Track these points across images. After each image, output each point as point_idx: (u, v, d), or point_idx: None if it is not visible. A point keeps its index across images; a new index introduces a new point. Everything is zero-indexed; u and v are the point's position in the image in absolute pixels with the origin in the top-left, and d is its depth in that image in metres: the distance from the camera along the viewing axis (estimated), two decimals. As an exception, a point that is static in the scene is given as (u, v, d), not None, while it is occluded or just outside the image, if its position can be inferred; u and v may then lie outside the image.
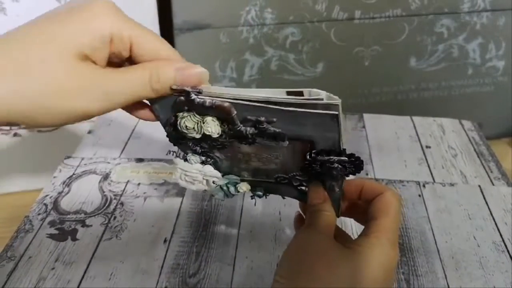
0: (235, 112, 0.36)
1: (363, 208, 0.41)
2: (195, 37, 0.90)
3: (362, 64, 1.01)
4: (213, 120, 0.37)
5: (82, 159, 0.66)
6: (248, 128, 0.37)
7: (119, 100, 0.34)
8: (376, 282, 0.34)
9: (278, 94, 0.36)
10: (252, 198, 0.45)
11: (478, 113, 1.11)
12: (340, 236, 0.42)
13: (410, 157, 0.71)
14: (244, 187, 0.44)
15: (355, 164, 0.38)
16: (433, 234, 0.57)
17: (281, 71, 0.98)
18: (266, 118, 0.36)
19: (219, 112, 0.36)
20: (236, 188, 0.44)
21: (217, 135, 0.38)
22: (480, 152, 0.72)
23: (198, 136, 0.38)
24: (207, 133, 0.38)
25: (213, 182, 0.43)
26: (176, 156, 0.44)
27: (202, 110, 0.37)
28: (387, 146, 0.73)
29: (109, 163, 0.66)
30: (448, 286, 0.50)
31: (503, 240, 0.56)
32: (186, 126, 0.38)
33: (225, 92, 0.36)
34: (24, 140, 0.95)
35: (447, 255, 0.54)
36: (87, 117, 0.33)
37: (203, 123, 0.37)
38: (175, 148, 0.43)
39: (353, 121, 0.79)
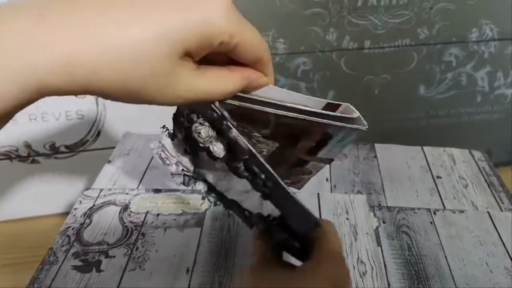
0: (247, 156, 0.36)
1: None
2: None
3: (372, 92, 1.03)
4: (223, 144, 0.37)
5: (101, 190, 0.68)
6: (248, 174, 0.37)
7: (193, 101, 0.31)
8: None
9: (318, 103, 0.36)
10: (202, 199, 0.44)
11: (487, 140, 1.12)
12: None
13: (422, 187, 0.72)
14: (201, 185, 0.44)
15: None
16: (447, 261, 0.58)
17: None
18: (266, 175, 0.36)
19: (235, 146, 0.36)
20: (194, 182, 0.44)
21: (218, 156, 0.37)
22: (490, 182, 0.74)
23: (201, 143, 0.37)
24: (211, 150, 0.37)
25: (182, 170, 0.43)
26: (166, 130, 0.42)
27: (222, 132, 0.36)
28: (398, 176, 0.74)
29: (127, 193, 0.68)
30: (463, 317, 0.51)
31: (515, 269, 0.57)
32: (199, 134, 0.37)
33: (265, 96, 0.34)
34: (41, 166, 0.97)
35: (462, 281, 0.55)
36: (157, 104, 0.31)
37: (215, 140, 0.36)
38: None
39: (365, 150, 0.80)
